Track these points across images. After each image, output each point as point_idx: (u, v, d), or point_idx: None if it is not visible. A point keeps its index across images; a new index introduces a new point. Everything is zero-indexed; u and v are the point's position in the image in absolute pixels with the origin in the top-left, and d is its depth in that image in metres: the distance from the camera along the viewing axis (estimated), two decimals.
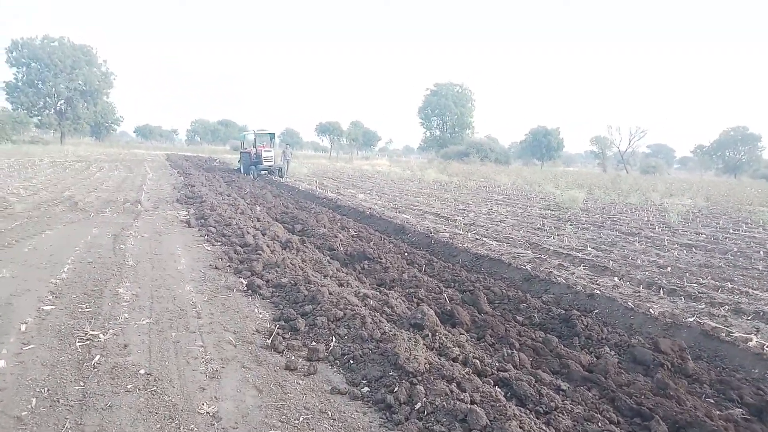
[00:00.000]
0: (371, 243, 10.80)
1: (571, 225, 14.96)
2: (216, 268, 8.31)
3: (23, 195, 15.93)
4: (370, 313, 5.76)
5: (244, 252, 9.15)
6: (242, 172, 31.00)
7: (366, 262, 8.94)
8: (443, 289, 7.38)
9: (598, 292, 7.68)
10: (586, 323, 6.05)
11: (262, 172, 30.16)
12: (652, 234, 13.92)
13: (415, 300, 6.80)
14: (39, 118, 64.29)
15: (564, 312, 6.49)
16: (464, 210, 18.30)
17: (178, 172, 29.11)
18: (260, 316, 6.20)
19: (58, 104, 66.10)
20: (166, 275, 7.74)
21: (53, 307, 6.05)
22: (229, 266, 8.45)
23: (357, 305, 5.96)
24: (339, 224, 13.10)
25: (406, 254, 9.94)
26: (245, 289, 7.24)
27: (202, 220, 12.41)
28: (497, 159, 77.88)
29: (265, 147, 30.64)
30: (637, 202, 23.80)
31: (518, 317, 6.43)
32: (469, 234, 12.51)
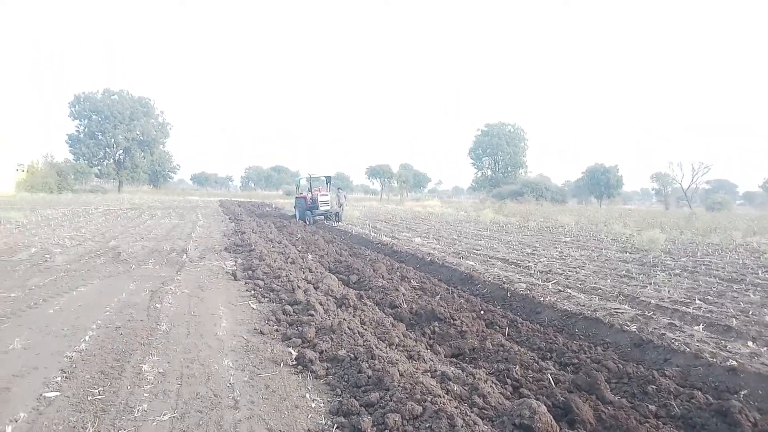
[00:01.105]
0: (437, 297, 9.38)
1: (660, 271, 13.15)
2: (261, 333, 7.05)
3: (68, 245, 15.28)
4: (457, 406, 4.34)
5: (294, 311, 7.88)
6: (297, 218, 29.69)
7: (436, 323, 7.51)
8: (540, 363, 5.85)
9: (736, 364, 6.01)
10: (754, 419, 4.42)
11: (318, 218, 28.83)
12: (759, 281, 11.98)
13: (508, 382, 5.31)
14: (99, 168, 66.14)
15: (716, 401, 4.84)
16: (533, 254, 16.67)
17: (229, 219, 28.52)
18: (312, 405, 4.84)
19: (117, 154, 68.03)
20: (203, 344, 6.52)
21: (58, 393, 4.86)
22: (276, 330, 7.19)
23: (438, 394, 4.52)
24: (398, 274, 11.74)
25: (481, 312, 8.45)
26: (294, 363, 5.91)
27: (250, 272, 11.28)
28: (553, 198, 75.47)
29: (321, 191, 29.33)
30: (719, 242, 21.57)
31: (650, 406, 4.84)
32: (549, 285, 10.92)
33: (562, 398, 4.64)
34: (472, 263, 13.98)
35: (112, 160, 68.09)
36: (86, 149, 64.42)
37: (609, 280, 11.79)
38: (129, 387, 5.07)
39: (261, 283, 10.15)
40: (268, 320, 7.63)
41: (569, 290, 10.50)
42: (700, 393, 5.08)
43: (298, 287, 9.25)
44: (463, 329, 7.21)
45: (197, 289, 9.87)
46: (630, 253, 17.21)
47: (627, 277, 12.43)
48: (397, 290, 9.45)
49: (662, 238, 18.65)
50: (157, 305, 8.40)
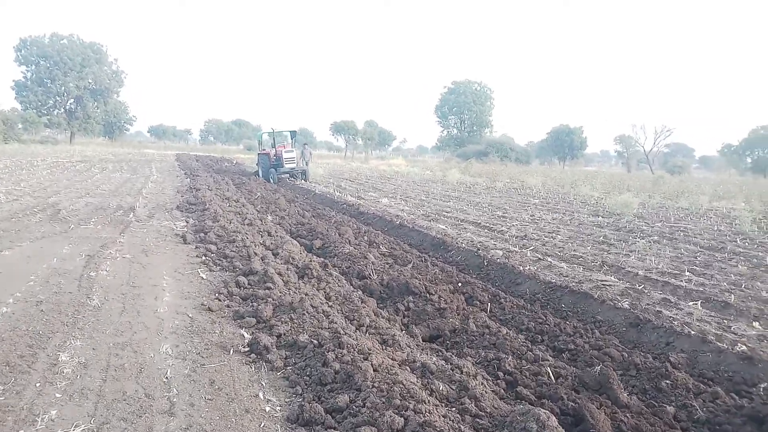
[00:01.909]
0: (410, 266, 8.53)
1: (638, 237, 12.60)
2: (209, 309, 6.08)
3: (2, 201, 13.86)
4: (445, 414, 3.52)
5: (249, 283, 6.93)
6: (260, 176, 27.39)
7: (410, 298, 6.68)
8: (534, 351, 5.06)
9: (747, 350, 5.36)
10: None
11: (284, 176, 26.70)
12: (740, 249, 11.52)
13: (501, 376, 4.51)
14: (48, 117, 62.66)
15: (748, 405, 4.12)
16: (504, 217, 15.99)
17: (185, 174, 26.97)
18: (267, 409, 3.94)
19: (68, 103, 64.51)
20: (139, 324, 5.53)
21: None
22: (227, 306, 6.24)
23: (421, 397, 3.66)
24: (366, 238, 10.84)
25: (458, 284, 7.63)
26: (247, 350, 4.99)
27: (202, 234, 10.23)
28: (517, 158, 75.29)
29: (285, 147, 26.97)
30: (689, 207, 21.29)
31: (668, 407, 4.11)
32: (527, 252, 10.20)
33: (571, 403, 3.85)
34: (443, 227, 13.18)
35: (62, 110, 64.45)
36: (34, 97, 60.75)
37: (589, 247, 11.15)
38: (38, 385, 4.08)
39: (213, 248, 9.12)
40: (219, 294, 6.67)
41: (549, 258, 9.81)
42: (722, 390, 4.38)
43: (255, 254, 8.27)
44: (441, 306, 6.40)
45: (141, 253, 8.79)
46: (603, 217, 16.70)
47: (606, 243, 11.82)
48: (366, 258, 8.56)
49: (635, 202, 18.16)
50: (91, 274, 7.33)
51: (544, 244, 11.27)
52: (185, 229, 11.12)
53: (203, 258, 8.65)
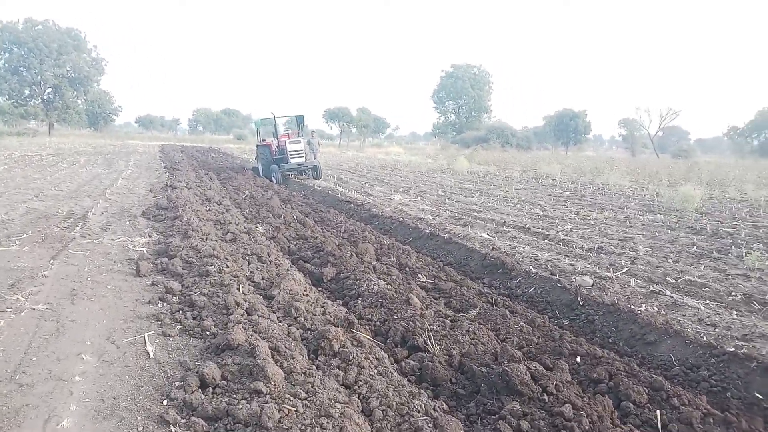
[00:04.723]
0: (475, 312, 5.56)
1: (733, 245, 9.70)
2: None
3: None
4: None
5: (225, 377, 3.91)
6: (261, 174, 21.99)
7: (515, 403, 3.68)
8: None
9: None
10: None
11: (290, 174, 21.32)
12: None
13: None
14: (24, 108, 58.91)
15: None
16: (546, 217, 13.05)
17: (165, 167, 23.71)
18: None
19: (45, 93, 60.70)
20: None
21: None
22: None
23: None
24: (394, 260, 7.84)
25: (574, 356, 4.63)
26: None
27: (165, 260, 7.18)
28: (518, 144, 72.45)
29: (290, 137, 21.54)
30: (745, 198, 18.38)
31: None
32: (627, 280, 7.23)
33: None
34: (486, 235, 10.21)
35: (40, 100, 60.68)
36: (8, 87, 56.92)
37: (694, 266, 8.22)
38: None
39: (176, 286, 6.09)
40: (171, 402, 3.68)
41: (660, 288, 6.87)
42: None
43: (236, 303, 5.26)
44: (572, 416, 3.45)
45: (66, 298, 5.78)
46: (661, 215, 13.78)
47: (706, 257, 8.90)
48: (409, 302, 5.54)
49: (698, 196, 15.22)
50: None
51: (632, 262, 8.32)
52: (144, 249, 8.10)
53: (158, 306, 5.64)
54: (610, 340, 5.51)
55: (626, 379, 4.07)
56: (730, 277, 7.52)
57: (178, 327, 5.08)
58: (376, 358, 4.27)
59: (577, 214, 13.74)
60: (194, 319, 5.22)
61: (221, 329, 4.84)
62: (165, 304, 5.71)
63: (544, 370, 4.11)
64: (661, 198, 16.87)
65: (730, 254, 9.02)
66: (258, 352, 3.99)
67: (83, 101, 66.17)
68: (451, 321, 5.14)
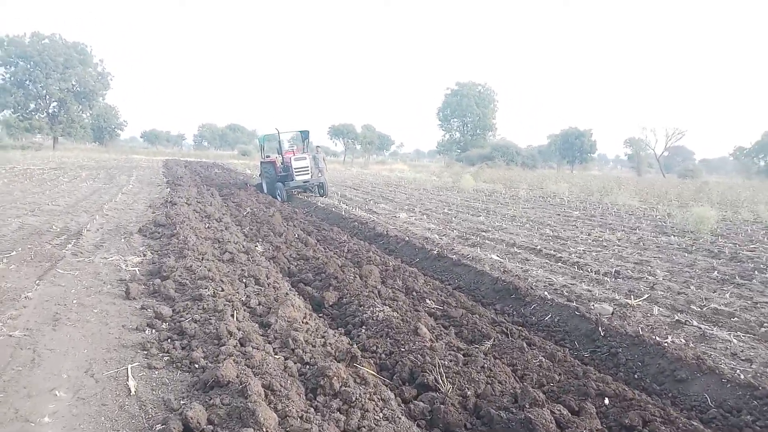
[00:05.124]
0: (489, 344, 5.12)
1: (756, 270, 9.24)
2: None
3: None
4: None
5: (212, 420, 3.47)
6: (265, 191, 21.06)
7: None
8: None
9: None
10: None
11: (295, 191, 20.94)
12: None
13: None
14: (30, 121, 58.89)
15: None
16: (557, 237, 12.59)
17: (167, 182, 23.37)
18: None
19: (50, 106, 60.73)
20: None
21: None
22: None
23: None
24: (401, 283, 7.40)
25: (601, 397, 4.17)
26: None
27: (157, 281, 6.77)
28: (523, 162, 72.10)
29: (295, 153, 21.21)
30: (760, 220, 17.89)
31: None
32: (650, 308, 6.77)
33: None
34: (496, 257, 9.76)
35: (45, 114, 60.66)
36: (14, 100, 56.94)
37: (718, 293, 7.75)
38: None
39: (167, 311, 5.67)
40: None
41: (685, 317, 6.40)
42: None
43: (229, 333, 4.82)
44: None
45: (47, 323, 5.36)
46: (675, 236, 13.31)
47: (728, 282, 8.43)
48: (417, 332, 5.10)
49: (713, 217, 14.76)
50: None
51: (652, 288, 7.86)
52: (137, 269, 7.68)
53: (146, 334, 5.21)
54: (636, 376, 5.04)
55: (663, 427, 3.61)
56: (758, 305, 7.05)
57: (165, 358, 4.64)
58: (382, 399, 3.82)
59: (589, 234, 13.28)
60: (183, 349, 4.78)
61: (211, 362, 4.41)
62: (153, 331, 5.29)
63: (570, 415, 3.66)
64: (673, 219, 16.40)
65: (754, 280, 8.55)
66: (249, 392, 3.57)
67: (88, 115, 66.17)
68: (463, 355, 4.69)
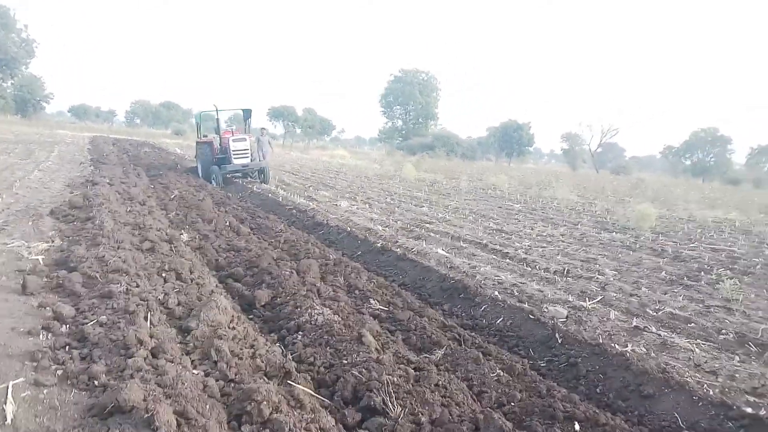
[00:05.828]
0: (440, 353, 4.59)
1: (703, 271, 9.16)
2: None
3: None
4: None
5: None
6: (200, 175, 19.31)
7: None
8: None
9: None
10: None
11: (233, 176, 19.35)
12: None
13: None
14: None
15: None
16: (501, 231, 12.30)
17: (91, 161, 21.76)
18: None
19: None
20: None
21: None
22: None
23: None
24: (342, 280, 6.77)
25: (566, 414, 3.70)
26: None
27: (63, 272, 5.88)
28: (463, 154, 72.72)
29: (235, 134, 19.39)
30: (692, 218, 18.24)
31: None
32: (606, 312, 6.41)
33: None
34: (442, 251, 9.28)
35: None
36: None
37: (668, 294, 7.53)
38: None
39: (69, 311, 4.83)
40: None
41: (641, 322, 6.09)
42: None
43: (140, 341, 4.06)
44: None
45: None
46: (617, 233, 13.27)
47: (677, 284, 8.26)
48: (360, 340, 4.49)
49: (654, 215, 14.83)
50: None
51: (603, 288, 7.57)
52: (41, 257, 6.72)
53: (39, 339, 4.37)
54: (598, 390, 4.63)
55: None
56: (711, 309, 6.83)
57: (59, 372, 3.84)
58: (321, 429, 3.19)
59: (532, 229, 13.05)
60: (82, 360, 4.00)
61: (115, 378, 3.66)
62: (49, 336, 4.45)
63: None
64: (613, 215, 16.47)
65: (701, 281, 8.41)
66: (158, 422, 2.89)
67: (9, 85, 61.92)
68: (414, 369, 4.12)
